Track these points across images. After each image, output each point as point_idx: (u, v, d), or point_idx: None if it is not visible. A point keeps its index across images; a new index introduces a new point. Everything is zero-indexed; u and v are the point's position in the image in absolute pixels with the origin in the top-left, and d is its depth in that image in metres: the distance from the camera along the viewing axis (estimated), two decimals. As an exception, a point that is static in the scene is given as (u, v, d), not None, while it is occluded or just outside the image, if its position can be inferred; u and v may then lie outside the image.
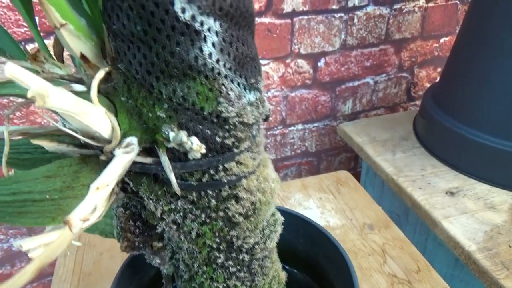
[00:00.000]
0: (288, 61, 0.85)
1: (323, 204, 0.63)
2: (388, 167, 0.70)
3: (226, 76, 0.18)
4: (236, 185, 0.21)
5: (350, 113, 0.98)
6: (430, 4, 0.91)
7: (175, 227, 0.22)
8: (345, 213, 0.61)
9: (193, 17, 0.16)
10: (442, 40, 0.98)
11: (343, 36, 0.86)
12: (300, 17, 0.80)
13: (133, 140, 0.18)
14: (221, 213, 0.22)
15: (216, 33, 0.17)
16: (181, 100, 0.18)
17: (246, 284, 0.26)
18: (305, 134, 0.97)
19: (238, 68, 0.18)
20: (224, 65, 0.18)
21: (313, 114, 0.94)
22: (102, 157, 0.18)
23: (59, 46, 0.21)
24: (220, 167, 0.20)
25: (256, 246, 0.24)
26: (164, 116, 0.18)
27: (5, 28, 0.23)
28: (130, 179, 0.21)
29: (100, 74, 0.17)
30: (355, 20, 0.85)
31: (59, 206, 0.18)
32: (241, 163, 0.21)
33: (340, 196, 0.64)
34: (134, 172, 0.22)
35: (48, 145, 0.18)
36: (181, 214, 0.21)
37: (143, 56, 0.17)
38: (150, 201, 0.21)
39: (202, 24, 0.16)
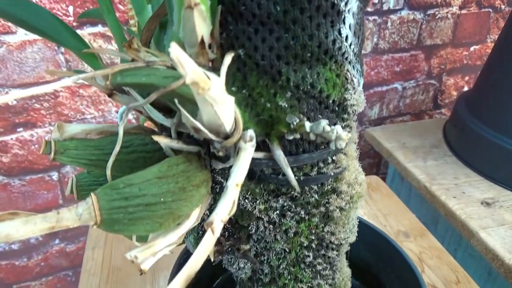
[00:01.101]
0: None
1: (355, 208, 0.62)
2: (420, 174, 0.69)
3: (350, 62, 0.17)
4: (338, 178, 0.20)
5: (376, 118, 0.97)
6: (463, 11, 0.90)
7: (271, 226, 0.21)
8: (379, 219, 0.59)
9: None
10: (472, 49, 0.96)
11: (375, 40, 0.85)
12: (334, 18, 0.79)
13: (253, 134, 0.17)
14: (322, 208, 0.21)
15: (353, 14, 0.16)
16: (309, 87, 0.17)
17: (328, 282, 0.25)
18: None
19: (359, 53, 0.17)
20: (353, 50, 0.17)
21: (338, 117, 0.93)
22: (220, 153, 0.17)
23: (148, 33, 0.20)
24: (329, 159, 0.19)
25: (343, 242, 0.23)
26: (286, 105, 0.17)
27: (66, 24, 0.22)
28: (225, 178, 0.20)
29: (229, 58, 0.16)
30: (389, 24, 0.84)
31: (170, 209, 0.17)
32: (346, 155, 0.20)
33: (372, 202, 0.63)
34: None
35: (164, 141, 0.17)
36: (279, 212, 0.20)
37: (276, 40, 0.16)
38: (246, 201, 0.20)
39: (346, 4, 0.15)
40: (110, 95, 0.19)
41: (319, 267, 0.24)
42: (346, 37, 0.16)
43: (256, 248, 0.23)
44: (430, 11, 0.87)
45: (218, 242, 0.22)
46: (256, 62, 0.17)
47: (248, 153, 0.17)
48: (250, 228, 0.22)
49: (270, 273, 0.24)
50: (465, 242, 0.63)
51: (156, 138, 0.17)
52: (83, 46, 0.23)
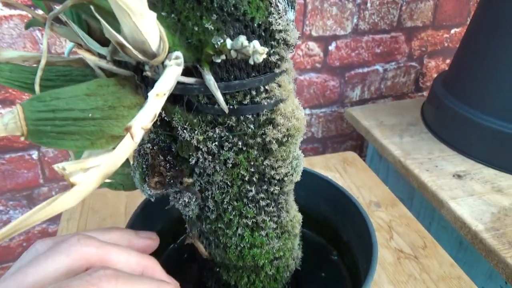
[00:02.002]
0: (299, 43, 0.84)
1: (330, 181, 0.63)
2: (395, 149, 0.70)
3: None
4: (274, 109, 0.21)
5: (358, 100, 0.97)
6: (443, -7, 0.91)
7: (210, 157, 0.22)
8: (352, 191, 0.60)
9: None
10: (452, 31, 0.97)
11: (355, 20, 0.86)
12: (314, -3, 0.80)
13: (179, 54, 0.17)
14: (258, 139, 0.21)
15: None
16: (232, 9, 0.17)
17: (273, 219, 0.25)
18: (312, 120, 0.96)
19: (285, -20, 0.18)
20: None
21: (321, 99, 0.94)
22: (148, 73, 0.18)
23: None
24: (262, 88, 0.20)
25: (285, 178, 0.24)
26: (212, 28, 0.17)
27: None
28: (162, 109, 0.21)
29: None
30: (368, 5, 0.85)
31: (100, 127, 0.17)
32: (280, 86, 0.21)
33: (347, 175, 0.64)
34: (167, 101, 0.21)
35: (90, 58, 0.18)
36: (217, 143, 0.21)
37: None
38: (184, 131, 0.21)
39: None
40: (50, 28, 0.20)
41: (262, 203, 0.24)
42: None
43: (200, 183, 0.24)
44: (410, -7, 0.87)
45: (159, 173, 0.22)
46: None
47: (172, 70, 0.17)
48: (190, 160, 0.22)
49: (216, 209, 0.25)
50: (438, 214, 0.64)
51: (82, 52, 0.17)
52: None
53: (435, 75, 1.03)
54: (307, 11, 0.81)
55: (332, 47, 0.87)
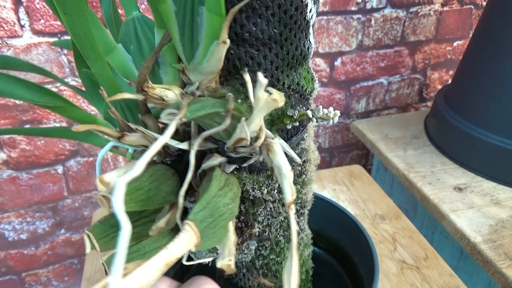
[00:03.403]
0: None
1: (337, 195, 0.67)
2: (399, 162, 0.73)
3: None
4: (307, 149, 0.27)
5: (363, 111, 1.01)
6: (445, 8, 0.94)
7: (276, 204, 0.26)
8: (358, 204, 0.64)
9: (310, 11, 0.21)
10: (455, 44, 1.01)
11: (360, 37, 0.90)
12: (320, 17, 0.84)
13: (269, 133, 0.21)
14: (303, 176, 0.27)
15: (313, 23, 0.22)
16: (296, 86, 0.22)
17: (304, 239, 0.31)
18: (319, 131, 1.01)
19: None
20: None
21: (327, 111, 0.98)
22: (259, 158, 0.22)
23: (147, 70, 0.22)
24: (305, 137, 0.25)
25: (309, 200, 0.30)
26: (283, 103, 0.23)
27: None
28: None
29: (247, 77, 0.20)
30: (372, 22, 0.89)
31: (231, 213, 0.21)
32: (308, 135, 0.26)
33: (354, 188, 0.68)
34: (232, 171, 0.25)
35: (219, 159, 0.22)
36: (278, 189, 0.26)
37: (275, 55, 0.21)
38: (256, 191, 0.25)
39: (311, 17, 0.21)
40: (120, 138, 0.23)
41: (300, 224, 0.30)
42: (312, 41, 0.22)
43: (259, 228, 0.28)
44: (413, 9, 0.91)
45: (240, 232, 0.27)
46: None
47: (278, 145, 0.21)
48: (259, 212, 0.27)
49: (270, 244, 0.29)
50: (440, 225, 0.68)
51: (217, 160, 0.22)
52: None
53: (438, 86, 1.07)
54: (314, 29, 0.85)
55: (338, 63, 0.91)
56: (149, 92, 0.20)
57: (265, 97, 0.18)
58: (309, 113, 0.22)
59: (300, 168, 0.26)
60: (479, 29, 0.72)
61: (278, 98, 0.18)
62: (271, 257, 0.29)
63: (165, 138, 0.16)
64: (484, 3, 0.98)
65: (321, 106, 0.22)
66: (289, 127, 0.23)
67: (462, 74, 0.76)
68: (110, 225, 0.25)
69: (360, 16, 0.87)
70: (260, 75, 0.17)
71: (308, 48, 0.22)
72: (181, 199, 0.21)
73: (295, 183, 0.27)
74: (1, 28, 0.67)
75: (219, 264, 0.21)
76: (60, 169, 0.83)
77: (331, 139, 1.03)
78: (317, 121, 0.22)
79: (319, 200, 0.41)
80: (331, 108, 0.22)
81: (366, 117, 1.03)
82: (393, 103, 1.04)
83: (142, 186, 0.21)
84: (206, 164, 0.22)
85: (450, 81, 1.06)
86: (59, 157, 0.82)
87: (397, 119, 0.90)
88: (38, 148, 0.79)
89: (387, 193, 0.84)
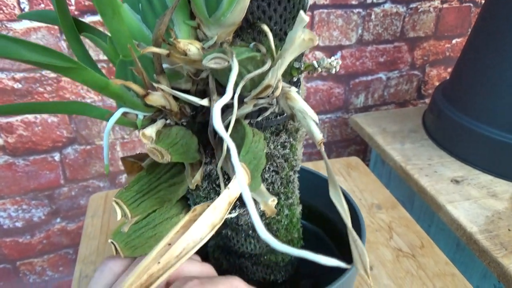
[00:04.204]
0: (306, 52, 0.88)
1: (334, 185, 0.67)
2: (396, 155, 0.74)
3: None
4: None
5: (361, 106, 1.02)
6: (445, 5, 0.95)
7: (281, 159, 0.28)
8: (355, 194, 0.64)
9: None
10: (454, 41, 1.01)
11: (360, 31, 0.90)
12: (321, 10, 0.84)
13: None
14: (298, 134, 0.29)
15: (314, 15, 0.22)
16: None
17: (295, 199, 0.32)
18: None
19: None
20: None
21: (326, 105, 0.98)
22: (275, 109, 0.24)
23: (163, 27, 0.21)
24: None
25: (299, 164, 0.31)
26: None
27: None
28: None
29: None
30: (372, 16, 0.89)
31: (265, 160, 0.24)
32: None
33: (351, 179, 0.68)
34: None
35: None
36: (281, 144, 0.28)
37: (283, 9, 0.22)
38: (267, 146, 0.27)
39: None
40: (145, 96, 0.22)
41: (294, 184, 0.31)
42: None
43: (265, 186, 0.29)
44: (413, 5, 0.92)
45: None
46: (271, 28, 0.22)
47: (296, 93, 0.23)
48: (267, 168, 0.27)
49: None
50: (437, 217, 0.68)
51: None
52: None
53: (436, 83, 1.07)
54: (314, 22, 0.85)
55: (337, 57, 0.92)
56: (176, 45, 0.20)
57: (302, 37, 0.18)
58: (315, 63, 0.22)
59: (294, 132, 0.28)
60: (478, 24, 0.73)
61: (313, 37, 0.18)
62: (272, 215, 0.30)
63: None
64: (483, 1, 0.98)
65: (324, 57, 0.23)
66: (295, 79, 0.23)
67: (461, 69, 0.76)
68: (136, 191, 0.26)
69: (360, 10, 0.87)
70: (301, 13, 0.18)
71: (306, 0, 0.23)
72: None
73: (294, 140, 0.28)
74: (1, 11, 0.67)
75: (263, 207, 0.23)
76: (57, 156, 0.83)
77: (330, 134, 1.03)
78: (321, 71, 0.22)
79: (306, 172, 0.41)
80: (333, 58, 0.22)
81: (364, 112, 1.03)
82: (391, 98, 1.04)
83: (175, 141, 0.23)
84: (237, 114, 0.23)
85: (448, 77, 1.06)
86: (57, 144, 0.81)
87: (395, 114, 0.90)
88: (35, 134, 0.79)
89: (385, 187, 0.84)
